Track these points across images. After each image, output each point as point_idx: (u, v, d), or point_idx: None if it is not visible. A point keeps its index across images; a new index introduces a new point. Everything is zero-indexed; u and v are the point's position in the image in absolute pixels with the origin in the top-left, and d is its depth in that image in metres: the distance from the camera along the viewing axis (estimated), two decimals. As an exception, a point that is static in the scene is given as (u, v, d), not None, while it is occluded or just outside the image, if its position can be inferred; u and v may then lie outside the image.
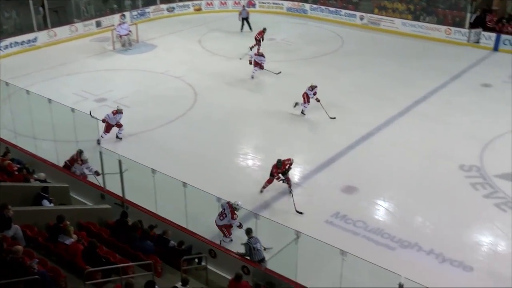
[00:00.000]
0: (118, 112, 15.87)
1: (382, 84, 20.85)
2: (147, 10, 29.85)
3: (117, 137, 16.07)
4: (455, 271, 10.88)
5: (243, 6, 29.08)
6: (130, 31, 25.24)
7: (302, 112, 17.80)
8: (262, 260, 10.31)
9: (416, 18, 28.03)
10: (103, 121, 15.62)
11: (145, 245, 10.04)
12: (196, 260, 10.49)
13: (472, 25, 26.17)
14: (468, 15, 26.31)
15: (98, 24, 27.51)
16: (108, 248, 9.83)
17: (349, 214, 12.66)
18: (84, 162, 13.17)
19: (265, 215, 11.58)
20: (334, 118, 17.48)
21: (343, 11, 29.56)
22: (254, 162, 15.37)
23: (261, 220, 10.79)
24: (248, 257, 10.30)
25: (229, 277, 9.59)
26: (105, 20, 27.78)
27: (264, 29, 24.57)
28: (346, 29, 28.35)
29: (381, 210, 13.11)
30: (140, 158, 12.67)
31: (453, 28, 26.41)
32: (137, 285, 8.52)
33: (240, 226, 11.39)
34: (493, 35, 25.35)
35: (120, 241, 10.19)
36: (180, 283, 8.85)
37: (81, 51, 24.47)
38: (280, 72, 21.13)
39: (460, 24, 26.51)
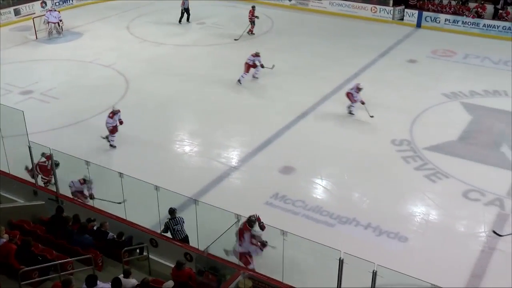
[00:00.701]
0: (115, 113, 14.79)
1: (314, 64, 21.14)
2: (70, -4, 28.73)
3: (110, 145, 14.93)
4: (391, 242, 11.28)
5: None
6: (61, 19, 24.19)
7: (351, 112, 16.89)
8: (185, 239, 10.47)
9: (343, -3, 28.54)
10: (112, 130, 14.78)
11: (83, 239, 9.77)
12: (138, 250, 10.34)
13: (396, 3, 26.96)
14: (392, -7, 27.12)
15: (17, 13, 26.19)
16: (44, 245, 9.50)
17: (288, 194, 12.82)
18: (87, 182, 12.00)
19: (205, 200, 11.53)
20: (373, 116, 16.51)
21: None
22: (192, 148, 15.25)
23: (201, 205, 10.73)
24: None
25: (172, 265, 9.50)
26: (24, 8, 26.47)
27: (253, 7, 24.52)
28: (275, 10, 28.44)
29: (319, 189, 13.36)
30: (73, 151, 12.27)
31: (378, 7, 27.08)
32: (78, 280, 8.31)
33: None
34: (415, 12, 26.23)
35: (57, 237, 9.87)
36: (122, 275, 8.70)
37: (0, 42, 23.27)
38: (274, 66, 19.51)
39: (385, 2, 27.22)
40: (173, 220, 10.57)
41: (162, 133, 15.84)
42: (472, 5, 25.75)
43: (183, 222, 10.67)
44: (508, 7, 25.04)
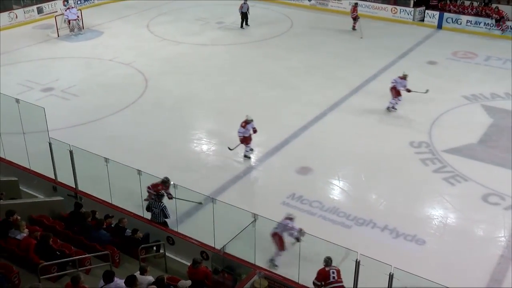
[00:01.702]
0: (247, 122, 14.08)
1: (333, 64, 21.08)
2: (91, -6, 29.00)
3: (245, 156, 14.44)
4: (408, 245, 11.19)
5: (245, 0, 25.56)
6: (78, 16, 24.49)
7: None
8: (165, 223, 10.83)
9: (363, -2, 28.39)
10: (244, 140, 14.20)
11: (100, 235, 9.87)
12: (155, 248, 10.40)
13: (416, 4, 26.74)
14: (413, -6, 26.91)
15: (40, 11, 26.54)
16: (63, 241, 9.61)
17: (305, 194, 12.80)
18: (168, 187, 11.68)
19: (222, 199, 11.57)
20: (428, 91, 16.92)
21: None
22: (209, 147, 15.30)
23: (218, 204, 10.77)
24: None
25: (188, 263, 9.54)
26: (47, 7, 26.81)
27: (356, 4, 25.16)
28: (294, 10, 28.40)
29: (336, 189, 13.31)
30: (92, 148, 12.37)
31: (398, 7, 26.90)
32: (96, 276, 8.38)
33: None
34: (436, 13, 25.98)
35: (75, 233, 9.97)
36: (138, 272, 8.76)
37: (23, 39, 23.57)
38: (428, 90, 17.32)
39: (405, 3, 27.02)
40: (156, 203, 10.81)
41: (179, 132, 15.91)
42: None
43: (163, 208, 10.81)
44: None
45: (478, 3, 25.92)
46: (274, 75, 19.91)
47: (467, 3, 26.14)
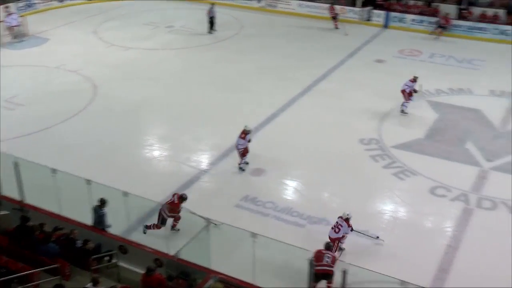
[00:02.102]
0: (247, 133, 13.71)
1: (284, 65, 21.25)
2: (35, 0, 28.20)
3: (240, 169, 13.99)
4: (361, 240, 11.36)
5: (212, 3, 25.57)
6: (20, 22, 23.81)
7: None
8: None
9: (312, -1, 28.76)
10: (244, 152, 13.82)
11: (49, 248, 9.63)
12: (107, 258, 10.23)
13: (364, 4, 27.27)
14: (360, -6, 27.43)
15: (-19, 18, 25.68)
16: (8, 257, 9.30)
17: (259, 196, 12.84)
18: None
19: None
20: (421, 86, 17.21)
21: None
22: (161, 152, 15.15)
23: (171, 210, 10.71)
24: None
25: (142, 272, 9.43)
26: (-13, 14, 25.97)
27: (332, 3, 25.23)
28: (244, 12, 28.49)
29: (289, 189, 13.42)
30: (41, 158, 12.14)
31: (346, 8, 27.34)
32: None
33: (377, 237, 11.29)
34: (382, 12, 26.56)
35: (22, 248, 9.69)
36: (90, 283, 8.60)
37: (-38, 48, 22.76)
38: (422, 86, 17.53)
39: (353, 3, 27.51)
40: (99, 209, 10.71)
41: (131, 138, 15.70)
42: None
43: (102, 215, 10.70)
44: (471, 8, 25.59)
45: (423, 2, 26.66)
46: (226, 78, 19.94)
47: (411, 2, 26.85)
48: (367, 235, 11.31)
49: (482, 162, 14.42)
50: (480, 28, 24.56)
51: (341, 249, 11.04)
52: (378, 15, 26.64)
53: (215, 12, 25.23)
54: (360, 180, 13.63)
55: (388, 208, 12.69)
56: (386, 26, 26.36)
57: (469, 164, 14.35)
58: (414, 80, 17.09)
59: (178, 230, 11.41)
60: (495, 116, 16.96)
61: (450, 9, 25.82)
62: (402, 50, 23.09)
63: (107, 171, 13.49)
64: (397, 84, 19.12)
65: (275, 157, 14.62)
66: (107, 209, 10.72)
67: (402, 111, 17.07)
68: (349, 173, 13.90)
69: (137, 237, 11.11)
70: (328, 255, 9.74)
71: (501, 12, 25.02)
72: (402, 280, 8.37)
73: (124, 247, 10.30)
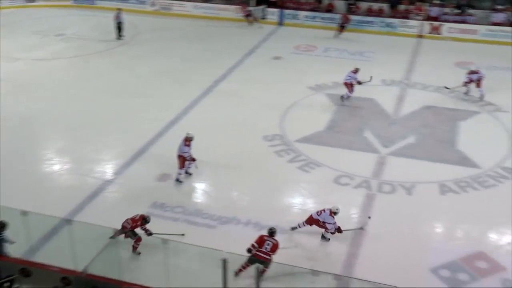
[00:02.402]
0: (190, 139, 13.32)
1: (183, 68, 21.09)
2: None
3: (186, 172, 13.65)
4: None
5: (119, 9, 24.89)
6: None
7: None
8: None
9: (206, 0, 28.76)
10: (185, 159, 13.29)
11: None
12: (7, 284, 9.59)
13: (258, 3, 27.72)
14: (253, -7, 27.86)
15: None
16: None
17: (167, 201, 12.62)
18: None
19: (79, 219, 11.03)
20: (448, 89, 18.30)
21: (127, -1, 28.66)
22: (61, 166, 14.44)
23: (75, 225, 10.25)
24: None
25: (49, 293, 8.95)
26: None
27: (348, 14, 24.93)
28: (137, 17, 27.89)
29: (198, 192, 13.35)
30: None
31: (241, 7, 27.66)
32: None
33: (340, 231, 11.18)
34: (277, 10, 27.16)
35: None
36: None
37: None
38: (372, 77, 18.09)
39: (247, 3, 27.87)
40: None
41: (27, 154, 14.82)
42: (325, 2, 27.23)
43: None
44: (359, 3, 26.84)
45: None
46: (124, 85, 19.45)
47: (303, -1, 27.77)
48: (353, 229, 11.53)
49: (380, 149, 15.14)
50: (368, 22, 25.84)
51: (324, 238, 11.30)
52: (273, 13, 27.20)
53: (123, 18, 24.56)
54: (266, 177, 13.81)
55: (296, 201, 12.97)
56: (281, 23, 26.99)
57: (368, 151, 15.02)
58: (356, 71, 17.72)
59: (139, 253, 10.82)
60: (388, 104, 17.90)
61: (339, 4, 26.97)
62: (298, 46, 23.75)
63: (3, 190, 12.64)
64: (296, 79, 19.75)
65: (181, 160, 14.44)
66: (7, 232, 10.05)
67: (342, 98, 17.78)
68: (256, 171, 14.04)
69: (41, 257, 10.52)
70: (269, 242, 9.94)
71: (385, 6, 26.50)
72: (313, 270, 8.57)
73: (27, 269, 9.68)
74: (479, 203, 12.70)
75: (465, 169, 14.03)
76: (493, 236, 11.72)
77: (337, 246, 11.18)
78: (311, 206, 12.66)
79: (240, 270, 10.07)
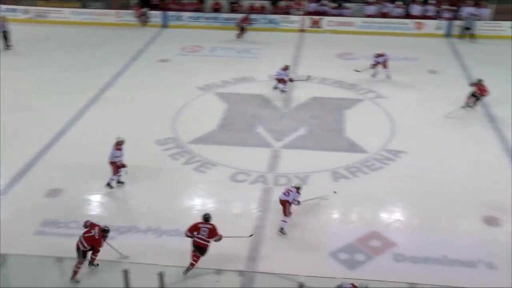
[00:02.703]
0: (122, 143, 12.99)
1: (66, 78, 20.11)
2: None
3: (119, 182, 13.25)
4: (173, 240, 11.29)
5: (2, 17, 23.42)
6: None
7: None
8: None
9: (85, 6, 27.74)
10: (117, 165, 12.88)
11: None
12: None
13: (139, 6, 27.14)
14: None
15: None
16: None
17: (60, 218, 11.97)
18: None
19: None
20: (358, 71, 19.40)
21: (2, 7, 26.64)
22: None
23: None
24: None
25: None
26: None
27: (248, 15, 24.44)
28: (10, 26, 26.17)
29: (93, 204, 12.84)
30: None
31: (122, 11, 26.98)
32: None
33: (298, 203, 11.68)
34: (159, 12, 26.79)
35: None
36: None
37: None
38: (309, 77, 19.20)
39: (128, 6, 27.25)
40: None
41: None
42: (211, 2, 27.31)
43: None
44: (241, 1, 27.21)
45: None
46: (1, 99, 18.15)
47: (185, 0, 27.56)
48: (316, 198, 12.26)
49: (273, 143, 15.46)
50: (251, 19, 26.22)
51: (290, 213, 11.61)
52: (156, 16, 26.79)
53: (8, 26, 23.03)
54: (163, 181, 13.57)
55: (195, 202, 12.87)
56: (165, 25, 26.66)
57: (262, 146, 15.27)
58: (286, 68, 18.21)
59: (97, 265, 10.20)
60: (277, 98, 18.31)
61: (223, 4, 27.15)
62: (184, 47, 23.62)
63: None
64: (185, 81, 19.68)
65: (72, 174, 13.78)
66: None
67: (282, 91, 18.32)
68: (152, 176, 13.73)
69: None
70: (205, 228, 10.15)
71: (267, 3, 27.12)
72: (216, 269, 8.56)
73: None
74: (369, 186, 13.39)
75: (354, 155, 14.72)
76: (383, 215, 12.43)
77: (239, 243, 11.23)
78: (210, 206, 12.62)
79: (192, 264, 10.05)
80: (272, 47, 23.67)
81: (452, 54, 23.06)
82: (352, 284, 8.86)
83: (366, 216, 12.40)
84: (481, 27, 24.83)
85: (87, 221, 10.47)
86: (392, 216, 12.38)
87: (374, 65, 19.79)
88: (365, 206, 12.69)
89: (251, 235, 11.04)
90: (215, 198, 12.95)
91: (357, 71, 19.94)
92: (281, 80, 18.30)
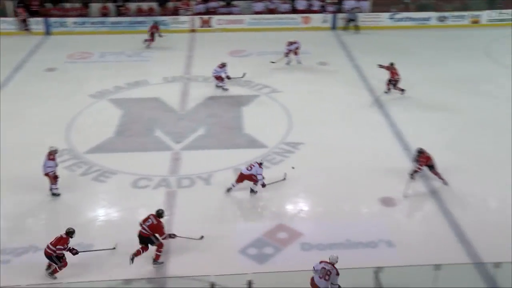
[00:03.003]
0: (54, 153, 12.71)
1: None
2: None
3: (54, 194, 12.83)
4: (80, 255, 10.73)
5: None
6: None
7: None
8: None
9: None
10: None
11: None
12: None
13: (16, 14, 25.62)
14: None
15: None
16: None
17: None
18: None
19: None
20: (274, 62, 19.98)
21: None
22: None
23: None
24: None
25: None
26: None
27: (157, 22, 23.60)
28: None
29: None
30: None
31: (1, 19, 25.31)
32: None
33: (264, 185, 12.48)
34: (40, 19, 25.42)
35: None
36: None
37: None
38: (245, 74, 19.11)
39: (4, 14, 25.63)
40: None
41: None
42: (96, 6, 26.39)
43: None
44: (127, 4, 26.56)
45: (80, 4, 26.45)
46: None
47: (68, 5, 26.42)
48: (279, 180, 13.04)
49: (173, 146, 15.27)
50: (140, 22, 25.68)
51: (253, 192, 12.72)
52: (37, 23, 25.40)
53: None
54: (62, 194, 12.90)
55: (98, 213, 12.44)
56: (48, 33, 25.35)
57: (162, 150, 15.05)
58: (222, 66, 18.43)
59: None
60: (173, 100, 18.12)
61: (110, 7, 26.33)
62: (72, 54, 22.64)
63: None
64: (76, 89, 18.94)
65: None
66: None
67: (223, 89, 18.65)
68: (45, 192, 12.95)
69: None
70: (150, 220, 10.56)
71: (155, 5, 26.69)
72: (124, 279, 8.32)
73: None
74: (271, 179, 13.60)
75: (255, 151, 14.89)
76: (288, 207, 12.73)
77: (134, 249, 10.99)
78: (114, 215, 12.31)
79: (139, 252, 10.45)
80: (164, 49, 23.32)
81: (339, 45, 24.08)
82: (324, 261, 9.28)
83: (272, 210, 12.62)
84: (363, 18, 26.16)
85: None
86: (297, 207, 12.70)
87: (287, 54, 20.78)
88: (270, 200, 12.89)
89: (201, 237, 11.07)
90: (118, 207, 12.59)
91: (273, 62, 20.75)
92: (218, 78, 18.45)
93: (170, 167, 14.13)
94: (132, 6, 26.58)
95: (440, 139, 15.14)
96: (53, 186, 12.81)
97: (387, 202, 12.67)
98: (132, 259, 10.25)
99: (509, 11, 26.43)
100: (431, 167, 13.03)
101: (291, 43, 20.75)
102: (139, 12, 26.37)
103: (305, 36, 23.59)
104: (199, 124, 16.53)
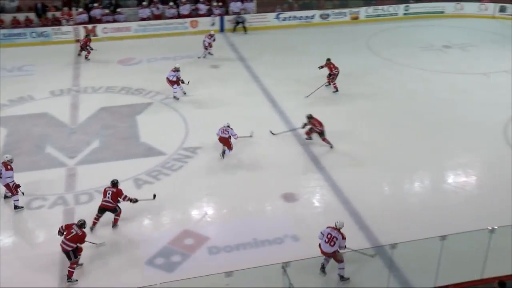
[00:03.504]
0: (11, 162, 12.46)
1: None
2: None
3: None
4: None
5: None
6: None
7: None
8: None
9: None
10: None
11: None
12: None
13: None
14: None
15: None
16: None
17: None
18: None
19: None
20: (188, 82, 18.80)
21: None
22: None
23: None
24: None
25: None
26: None
27: (89, 36, 22.94)
28: None
29: None
30: None
31: None
32: None
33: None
34: None
35: None
36: None
37: None
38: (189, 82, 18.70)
39: None
40: None
41: None
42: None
43: None
44: (1, 15, 24.98)
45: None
46: None
47: None
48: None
49: (66, 161, 14.64)
50: (17, 34, 24.27)
51: (224, 154, 14.47)
52: None
53: None
54: None
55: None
56: None
57: (55, 167, 14.38)
58: (176, 70, 18.29)
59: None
60: (63, 114, 17.34)
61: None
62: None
63: None
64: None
65: None
66: None
67: (174, 97, 18.42)
68: None
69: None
70: (110, 191, 11.54)
71: (33, 15, 25.32)
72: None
73: None
74: (173, 186, 13.49)
75: (153, 159, 14.67)
76: (192, 213, 12.66)
77: (49, 268, 10.45)
78: (6, 241, 11.54)
79: (94, 223, 11.56)
80: (48, 61, 22.18)
81: (229, 47, 24.31)
82: (331, 227, 10.14)
83: (176, 217, 12.49)
84: (250, 20, 26.61)
85: (61, 227, 10.51)
86: (199, 212, 12.65)
87: (206, 47, 22.18)
88: (173, 207, 12.75)
89: (154, 196, 12.20)
90: (10, 232, 11.82)
91: (199, 57, 22.16)
92: (173, 82, 18.30)
93: (65, 184, 13.52)
94: (7, 17, 24.94)
95: (335, 128, 15.69)
96: (15, 198, 12.40)
97: (288, 198, 13.00)
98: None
99: (384, 7, 28.23)
100: (321, 133, 14.84)
101: (210, 36, 22.19)
102: (16, 24, 24.83)
103: (195, 40, 23.59)
104: (93, 136, 15.95)
